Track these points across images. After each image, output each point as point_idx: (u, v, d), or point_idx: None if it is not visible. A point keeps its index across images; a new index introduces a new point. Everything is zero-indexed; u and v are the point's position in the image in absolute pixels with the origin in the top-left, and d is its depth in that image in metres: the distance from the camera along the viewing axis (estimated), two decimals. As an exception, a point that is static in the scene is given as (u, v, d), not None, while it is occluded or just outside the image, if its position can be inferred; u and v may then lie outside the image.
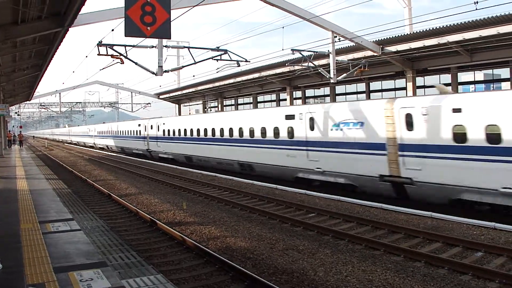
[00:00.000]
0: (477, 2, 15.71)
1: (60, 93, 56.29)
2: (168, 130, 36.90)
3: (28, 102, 57.97)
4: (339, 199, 17.10)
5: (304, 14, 22.35)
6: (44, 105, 63.31)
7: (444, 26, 21.80)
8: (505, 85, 26.01)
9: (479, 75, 29.19)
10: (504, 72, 26.56)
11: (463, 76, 28.82)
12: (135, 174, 27.80)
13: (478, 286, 8.50)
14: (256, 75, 36.66)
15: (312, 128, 20.34)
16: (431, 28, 22.51)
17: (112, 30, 18.66)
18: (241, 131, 26.13)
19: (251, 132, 25.05)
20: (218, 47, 21.78)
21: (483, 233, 11.87)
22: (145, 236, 12.42)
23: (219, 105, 52.92)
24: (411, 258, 10.10)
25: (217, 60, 21.86)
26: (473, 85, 29.01)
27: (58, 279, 5.75)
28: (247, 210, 15.85)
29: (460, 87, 27.36)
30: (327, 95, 36.21)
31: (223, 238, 11.91)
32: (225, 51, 21.53)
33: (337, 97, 35.68)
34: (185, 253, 10.72)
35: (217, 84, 43.22)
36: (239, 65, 22.69)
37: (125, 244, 10.60)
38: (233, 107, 51.49)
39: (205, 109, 56.84)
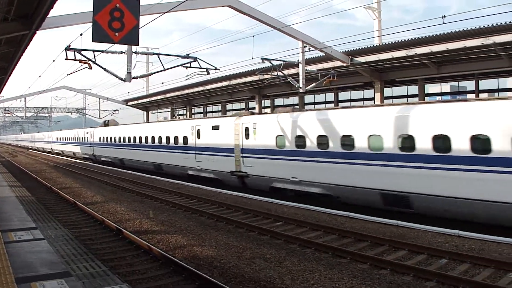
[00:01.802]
0: (444, 16, 16.15)
1: (25, 98, 54.93)
2: (107, 138, 43.12)
3: (-8, 106, 56.50)
4: (306, 207, 17.22)
5: (275, 23, 22.43)
6: (8, 110, 61.70)
7: (413, 38, 22.24)
8: (470, 96, 26.64)
9: (446, 87, 29.86)
10: (469, 85, 27.33)
11: (430, 88, 29.46)
12: (101, 182, 27.40)
13: (442, 293, 8.66)
14: (225, 83, 36.60)
15: (199, 137, 26.66)
16: (399, 40, 22.93)
17: (81, 34, 18.35)
18: (153, 139, 32.87)
19: (160, 140, 31.71)
20: (188, 54, 21.72)
21: (448, 240, 12.12)
22: (110, 245, 12.24)
23: (188, 113, 52.63)
24: (377, 266, 10.22)
25: (187, 67, 21.81)
26: (439, 96, 29.66)
27: (20, 289, 5.61)
28: (214, 219, 15.80)
29: (426, 98, 27.92)
30: (296, 105, 36.36)
31: (190, 246, 11.83)
32: (195, 59, 21.49)
33: (306, 106, 35.91)
34: (152, 262, 10.59)
35: (186, 91, 43.09)
36: (208, 73, 22.67)
37: (90, 253, 10.41)
38: (202, 114, 51.34)
39: (174, 117, 56.52)
